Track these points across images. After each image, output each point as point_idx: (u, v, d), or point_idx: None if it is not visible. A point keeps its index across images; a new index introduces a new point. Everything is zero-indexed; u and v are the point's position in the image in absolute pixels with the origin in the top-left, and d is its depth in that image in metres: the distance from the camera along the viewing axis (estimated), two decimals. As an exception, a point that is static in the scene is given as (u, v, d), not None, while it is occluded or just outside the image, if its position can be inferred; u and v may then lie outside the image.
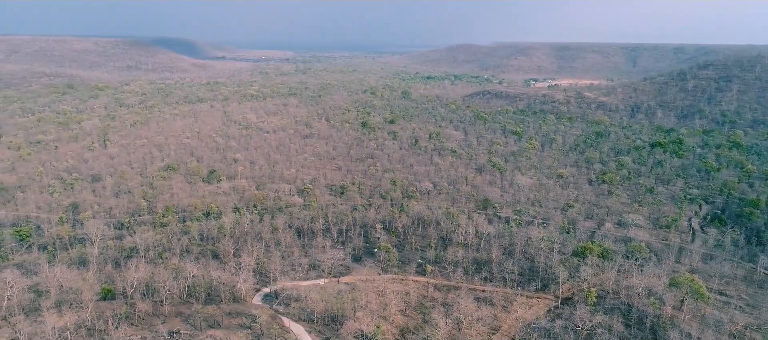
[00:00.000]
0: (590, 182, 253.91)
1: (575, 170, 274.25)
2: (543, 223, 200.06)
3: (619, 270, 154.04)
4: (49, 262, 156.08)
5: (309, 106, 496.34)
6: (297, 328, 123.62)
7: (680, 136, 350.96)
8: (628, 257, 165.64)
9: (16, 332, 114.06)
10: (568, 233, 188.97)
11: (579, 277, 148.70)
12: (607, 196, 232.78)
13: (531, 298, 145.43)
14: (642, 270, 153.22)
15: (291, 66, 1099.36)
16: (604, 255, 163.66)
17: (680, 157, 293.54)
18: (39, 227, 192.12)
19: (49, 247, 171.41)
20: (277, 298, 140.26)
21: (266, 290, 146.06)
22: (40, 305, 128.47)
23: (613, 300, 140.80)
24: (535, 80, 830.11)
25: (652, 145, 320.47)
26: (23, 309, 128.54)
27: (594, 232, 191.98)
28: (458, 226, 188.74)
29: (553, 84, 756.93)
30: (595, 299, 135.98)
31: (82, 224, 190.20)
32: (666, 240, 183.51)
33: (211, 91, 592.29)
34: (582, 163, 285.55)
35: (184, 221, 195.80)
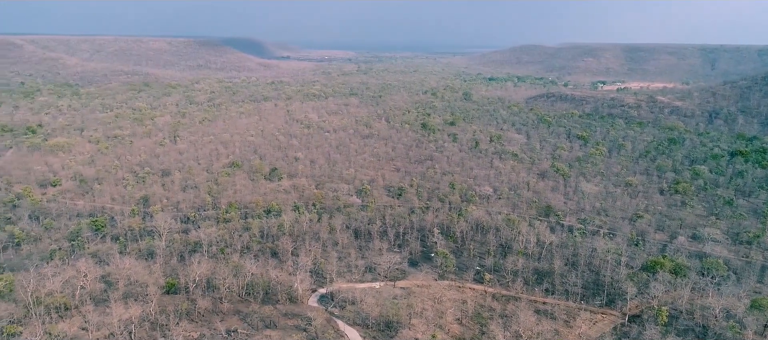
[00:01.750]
0: (662, 192, 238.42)
1: (645, 178, 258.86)
2: (609, 233, 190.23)
3: (693, 288, 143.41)
4: (121, 253, 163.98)
5: (369, 106, 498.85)
6: (352, 333, 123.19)
7: (764, 144, 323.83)
8: (703, 274, 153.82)
9: (85, 321, 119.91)
10: (636, 245, 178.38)
11: (648, 293, 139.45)
12: (680, 207, 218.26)
13: (595, 313, 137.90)
14: (719, 289, 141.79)
15: (353, 66, 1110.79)
16: (676, 271, 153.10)
17: (764, 168, 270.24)
18: (113, 218, 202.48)
19: (120, 238, 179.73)
20: (332, 300, 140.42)
21: (322, 290, 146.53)
22: (108, 296, 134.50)
23: (686, 321, 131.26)
24: (603, 83, 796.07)
25: (732, 154, 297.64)
26: (93, 299, 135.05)
27: (665, 245, 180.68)
28: (519, 233, 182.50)
29: (623, 87, 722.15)
30: (666, 319, 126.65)
31: (151, 216, 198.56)
32: (747, 257, 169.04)
33: (275, 91, 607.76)
34: (653, 172, 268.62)
35: (246, 218, 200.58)
